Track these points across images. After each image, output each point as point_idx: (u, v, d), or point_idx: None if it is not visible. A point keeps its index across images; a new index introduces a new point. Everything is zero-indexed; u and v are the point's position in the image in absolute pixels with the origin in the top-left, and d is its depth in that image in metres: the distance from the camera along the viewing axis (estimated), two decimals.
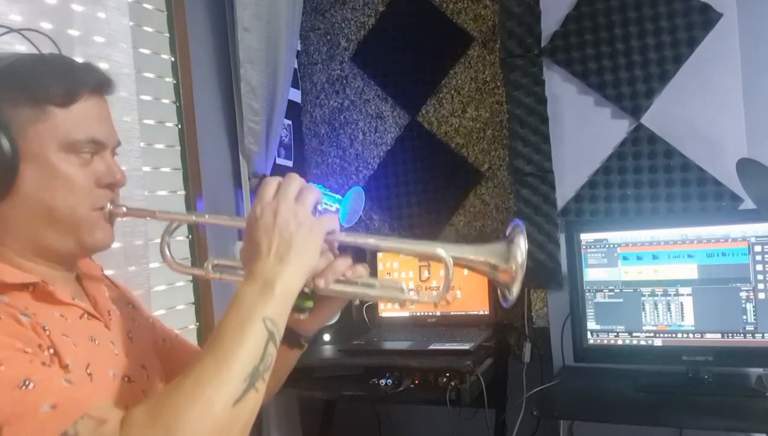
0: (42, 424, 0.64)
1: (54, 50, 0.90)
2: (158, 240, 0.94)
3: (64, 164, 0.81)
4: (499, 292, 0.91)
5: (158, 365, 1.00)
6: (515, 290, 0.88)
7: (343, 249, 0.92)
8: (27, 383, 0.66)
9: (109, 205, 0.86)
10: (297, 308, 0.85)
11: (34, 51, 0.89)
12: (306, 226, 0.81)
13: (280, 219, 0.80)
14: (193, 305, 1.91)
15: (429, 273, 2.19)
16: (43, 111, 0.79)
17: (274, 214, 0.80)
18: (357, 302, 0.92)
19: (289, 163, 2.39)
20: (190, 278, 1.91)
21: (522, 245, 0.87)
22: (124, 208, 0.87)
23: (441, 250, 0.89)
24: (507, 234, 0.90)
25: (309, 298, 0.89)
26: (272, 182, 0.83)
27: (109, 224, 0.87)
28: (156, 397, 0.69)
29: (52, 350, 0.74)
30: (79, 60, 0.88)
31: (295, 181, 0.84)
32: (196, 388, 0.68)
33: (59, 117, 0.80)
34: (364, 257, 2.03)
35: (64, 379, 0.71)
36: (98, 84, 0.85)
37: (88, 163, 0.83)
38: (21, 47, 0.90)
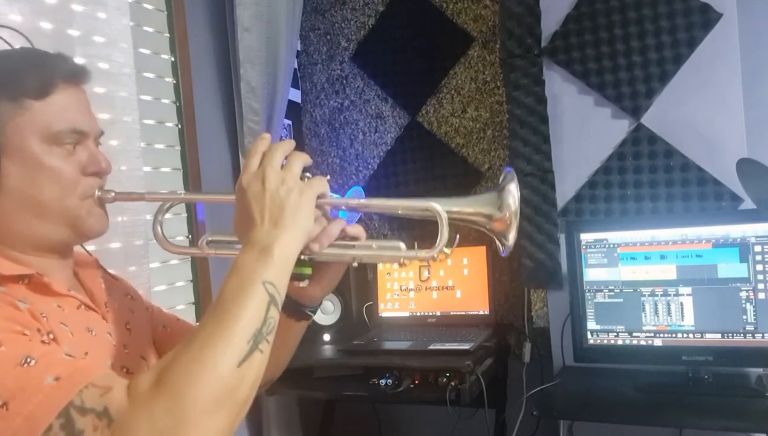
0: (48, 396, 0.63)
1: (26, 44, 0.89)
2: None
3: (48, 156, 0.80)
4: (497, 242, 0.91)
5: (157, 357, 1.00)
6: (511, 237, 0.89)
7: None
8: (28, 360, 0.66)
9: (97, 191, 0.86)
10: (296, 276, 0.84)
11: (6, 47, 0.88)
12: (295, 190, 0.80)
13: (269, 185, 0.79)
14: (193, 305, 1.92)
15: (429, 273, 2.19)
16: (20, 105, 0.79)
17: (262, 182, 0.80)
18: (356, 265, 0.90)
19: None
20: (191, 278, 1.92)
21: (514, 192, 0.89)
22: (113, 193, 0.87)
23: (435, 203, 0.88)
24: (499, 182, 0.90)
25: (307, 265, 0.88)
26: (257, 153, 0.83)
27: (102, 209, 0.88)
28: (161, 362, 0.68)
29: (51, 336, 0.74)
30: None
31: (280, 148, 0.83)
32: (200, 350, 0.67)
33: (37, 109, 0.80)
34: None
35: (64, 353, 0.71)
36: (72, 73, 0.84)
37: (71, 154, 0.83)
38: None
